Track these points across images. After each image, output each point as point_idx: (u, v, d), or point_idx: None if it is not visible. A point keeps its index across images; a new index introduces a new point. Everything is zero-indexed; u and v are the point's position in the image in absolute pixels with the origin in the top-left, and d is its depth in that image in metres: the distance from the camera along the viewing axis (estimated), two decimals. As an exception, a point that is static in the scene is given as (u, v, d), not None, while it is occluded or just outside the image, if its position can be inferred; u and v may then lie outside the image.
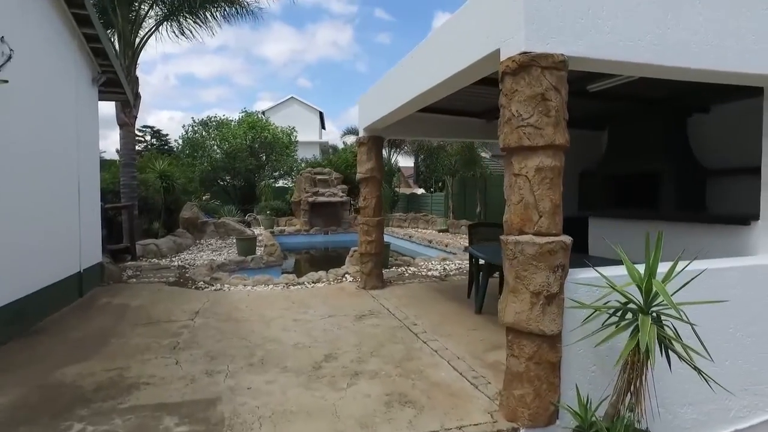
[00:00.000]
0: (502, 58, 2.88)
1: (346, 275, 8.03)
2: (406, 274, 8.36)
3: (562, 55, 2.75)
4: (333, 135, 70.52)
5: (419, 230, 19.15)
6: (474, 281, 5.79)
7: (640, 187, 6.90)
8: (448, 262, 9.77)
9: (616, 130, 7.17)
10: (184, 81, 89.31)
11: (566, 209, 8.00)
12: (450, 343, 4.43)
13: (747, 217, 3.88)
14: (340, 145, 32.64)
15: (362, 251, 6.98)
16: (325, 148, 34.57)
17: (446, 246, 13.48)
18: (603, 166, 7.25)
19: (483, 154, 20.46)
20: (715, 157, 6.07)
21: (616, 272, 2.90)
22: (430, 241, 14.81)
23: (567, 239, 2.77)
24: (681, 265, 2.64)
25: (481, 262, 5.70)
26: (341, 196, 17.78)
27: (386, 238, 7.99)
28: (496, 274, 5.52)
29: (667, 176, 6.07)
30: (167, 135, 28.27)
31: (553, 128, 2.74)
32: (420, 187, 30.62)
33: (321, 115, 38.28)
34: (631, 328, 2.57)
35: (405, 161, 29.28)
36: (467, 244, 6.35)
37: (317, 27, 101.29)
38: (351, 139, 26.29)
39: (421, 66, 4.40)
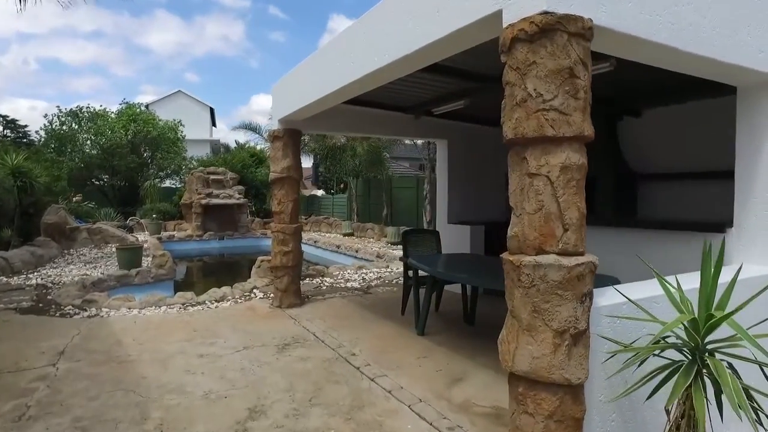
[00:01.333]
0: (512, 20, 2.18)
1: (254, 291, 6.92)
2: (324, 287, 7.46)
3: (591, 20, 2.12)
4: (224, 133, 66.66)
5: (323, 234, 18.23)
6: (414, 297, 5.10)
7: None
8: (365, 271, 9.03)
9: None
10: (49, 66, 78.59)
11: (492, 212, 7.59)
12: (403, 378, 3.66)
13: (722, 224, 3.64)
14: (233, 144, 30.57)
15: (277, 264, 5.96)
16: (217, 147, 32.09)
17: (357, 252, 12.74)
18: (532, 170, 6.99)
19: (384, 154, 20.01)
20: (644, 162, 6.03)
21: (639, 294, 2.35)
22: (338, 247, 13.98)
23: (595, 259, 2.15)
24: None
25: (421, 273, 5.03)
26: (238, 198, 16.23)
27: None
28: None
29: (602, 180, 5.91)
30: (26, 126, 24.02)
31: (581, 114, 2.10)
32: (319, 189, 29.64)
33: (212, 111, 35.53)
34: (677, 373, 2.00)
35: (302, 161, 28.06)
36: (402, 254, 5.66)
37: (206, 19, 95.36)
38: (243, 138, 24.57)
39: (369, 41, 3.58)
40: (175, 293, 6.77)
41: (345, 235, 17.51)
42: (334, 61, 4.30)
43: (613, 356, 2.23)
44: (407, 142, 18.82)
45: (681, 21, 2.58)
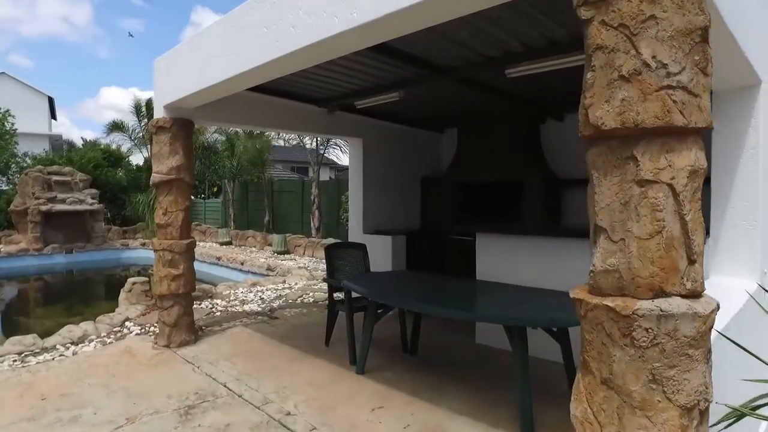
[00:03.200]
0: (610, -47, 1.49)
1: (127, 324, 5.42)
2: (217, 312, 6.20)
3: (710, -35, 1.52)
4: (66, 128, 58.05)
5: (198, 244, 16.22)
6: (348, 328, 4.21)
7: (500, 197, 6.41)
8: (261, 289, 7.86)
9: (468, 132, 6.55)
10: None
11: (410, 221, 6.92)
12: (368, 445, 2.79)
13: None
14: (78, 141, 26.36)
15: (163, 291, 4.64)
16: (58, 143, 27.33)
17: (242, 264, 11.36)
18: (453, 172, 6.55)
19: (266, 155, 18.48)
20: (568, 167, 5.91)
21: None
22: (219, 258, 12.41)
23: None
24: None
25: (354, 295, 4.21)
26: (91, 203, 13.63)
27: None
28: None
29: (529, 184, 5.63)
30: None
31: (708, 97, 1.49)
32: (187, 193, 26.86)
33: (51, 101, 30.20)
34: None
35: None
36: (326, 274, 4.74)
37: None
38: (91, 135, 21.30)
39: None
40: (6, 337, 4.98)
41: (222, 244, 15.82)
42: (251, 31, 3.26)
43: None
44: (294, 142, 17.64)
45: (732, -3, 2.15)
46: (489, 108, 5.78)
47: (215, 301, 6.85)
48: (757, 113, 3.18)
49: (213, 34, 3.80)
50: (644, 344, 1.42)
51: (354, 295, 4.20)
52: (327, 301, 6.77)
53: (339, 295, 4.66)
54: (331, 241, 12.69)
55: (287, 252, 13.35)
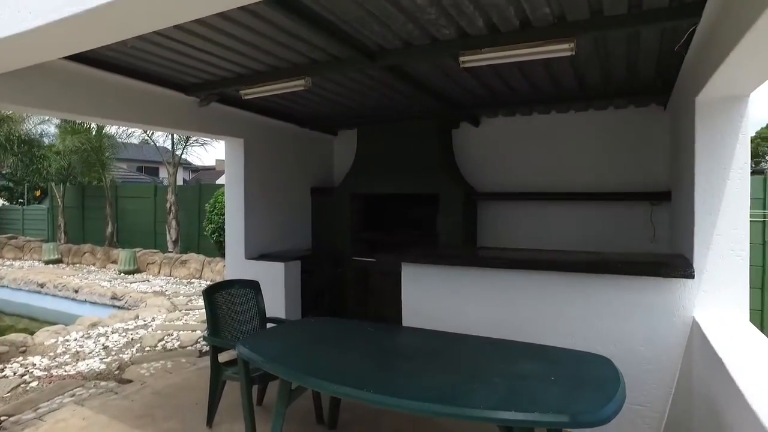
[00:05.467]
0: None
1: None
2: (33, 381, 4.38)
3: None
4: None
5: (11, 264, 12.94)
6: (246, 406, 2.96)
7: (408, 212, 5.58)
8: (104, 330, 6.02)
9: (370, 134, 5.58)
10: None
11: (299, 241, 5.69)
12: None
13: (691, 267, 2.86)
14: None
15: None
16: None
17: (77, 292, 8.99)
18: (352, 182, 5.54)
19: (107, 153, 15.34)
20: (481, 178, 5.32)
21: None
22: (42, 285, 9.75)
23: None
24: None
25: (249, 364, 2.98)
26: None
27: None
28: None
29: (449, 199, 4.88)
30: None
31: None
32: (-1, 197, 21.83)
33: None
34: None
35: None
36: (207, 330, 3.39)
37: None
38: None
39: None
40: None
41: (49, 262, 12.77)
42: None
43: None
44: (137, 139, 15.01)
45: None
46: (396, 106, 4.90)
47: (31, 359, 4.93)
48: (746, 127, 2.74)
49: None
50: None
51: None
52: (197, 345, 5.43)
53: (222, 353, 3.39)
54: (195, 257, 10.80)
55: (138, 271, 11.11)
